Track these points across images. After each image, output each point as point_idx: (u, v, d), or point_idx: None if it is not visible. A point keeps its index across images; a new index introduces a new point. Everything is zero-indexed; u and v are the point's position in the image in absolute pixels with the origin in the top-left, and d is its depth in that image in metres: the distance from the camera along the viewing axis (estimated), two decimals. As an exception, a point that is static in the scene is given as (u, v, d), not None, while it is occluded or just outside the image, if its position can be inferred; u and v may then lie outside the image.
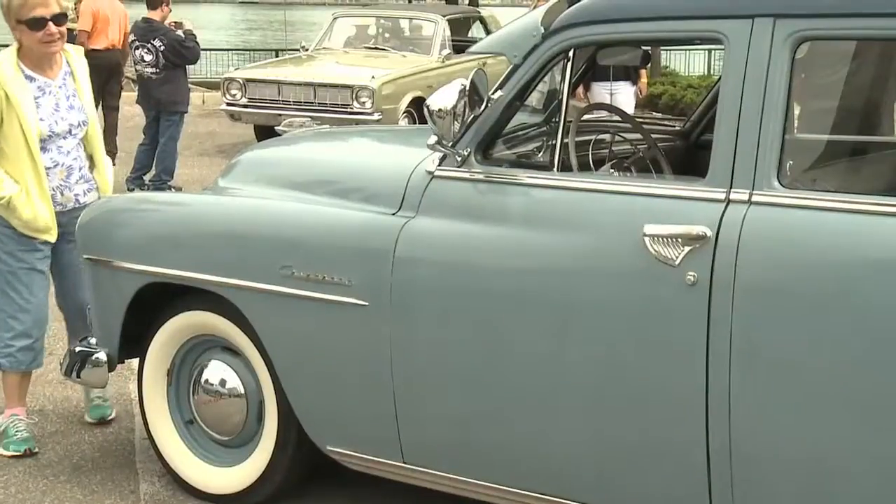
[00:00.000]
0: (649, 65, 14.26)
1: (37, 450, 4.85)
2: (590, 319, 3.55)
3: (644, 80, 11.70)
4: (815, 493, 3.30)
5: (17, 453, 4.80)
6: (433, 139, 3.95)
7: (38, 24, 4.49)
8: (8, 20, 4.60)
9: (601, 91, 9.95)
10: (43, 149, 4.66)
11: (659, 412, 3.46)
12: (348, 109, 12.86)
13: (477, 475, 3.85)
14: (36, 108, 4.59)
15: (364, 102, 12.89)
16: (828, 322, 3.22)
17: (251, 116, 13.74)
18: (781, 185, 3.34)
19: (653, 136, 4.61)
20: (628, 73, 10.15)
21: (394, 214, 3.96)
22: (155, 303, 4.47)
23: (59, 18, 4.59)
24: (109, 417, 5.23)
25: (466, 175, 3.87)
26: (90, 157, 5.00)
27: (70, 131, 4.78)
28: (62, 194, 4.82)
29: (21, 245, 4.75)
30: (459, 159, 3.88)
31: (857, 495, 3.24)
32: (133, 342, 4.58)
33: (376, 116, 12.71)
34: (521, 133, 4.23)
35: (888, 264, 3.14)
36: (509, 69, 3.92)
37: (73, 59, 4.85)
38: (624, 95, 10.12)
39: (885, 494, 3.19)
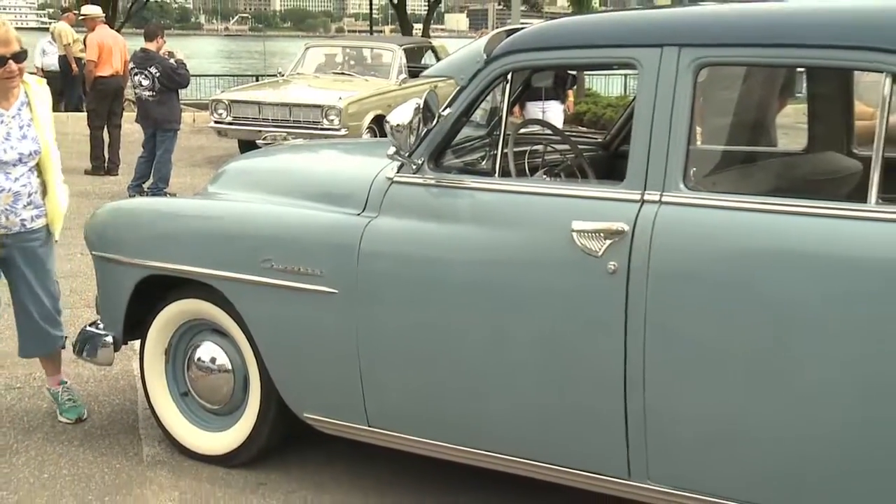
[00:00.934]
0: (575, 86, 14.31)
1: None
2: (527, 303, 3.55)
3: (571, 99, 11.74)
4: (715, 449, 3.31)
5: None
6: (392, 150, 3.94)
7: None
8: None
9: (534, 109, 9.94)
10: None
11: (585, 382, 3.47)
12: (319, 126, 12.82)
13: (430, 436, 3.85)
14: None
15: (332, 120, 12.86)
16: (726, 302, 3.24)
17: (235, 132, 13.67)
18: (686, 187, 3.36)
19: (578, 146, 4.62)
20: (557, 94, 10.17)
21: (359, 215, 3.94)
22: (154, 292, 4.43)
23: (19, 56, 4.32)
24: (84, 417, 4.89)
25: (421, 181, 3.86)
26: (44, 184, 4.53)
27: (20, 159, 4.36)
28: (7, 218, 4.40)
29: None
30: (415, 167, 3.87)
31: (751, 450, 3.25)
32: (135, 326, 4.55)
33: (343, 132, 12.68)
34: (467, 144, 4.23)
35: (775, 254, 3.18)
36: (456, 90, 3.91)
37: (34, 90, 4.46)
38: (554, 113, 10.12)
39: (774, 450, 3.21)
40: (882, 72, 3.14)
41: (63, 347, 4.90)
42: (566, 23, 4.05)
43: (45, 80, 4.52)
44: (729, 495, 3.32)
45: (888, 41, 3.12)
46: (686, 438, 3.35)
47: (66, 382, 4.97)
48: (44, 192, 4.52)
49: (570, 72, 9.91)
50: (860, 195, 3.19)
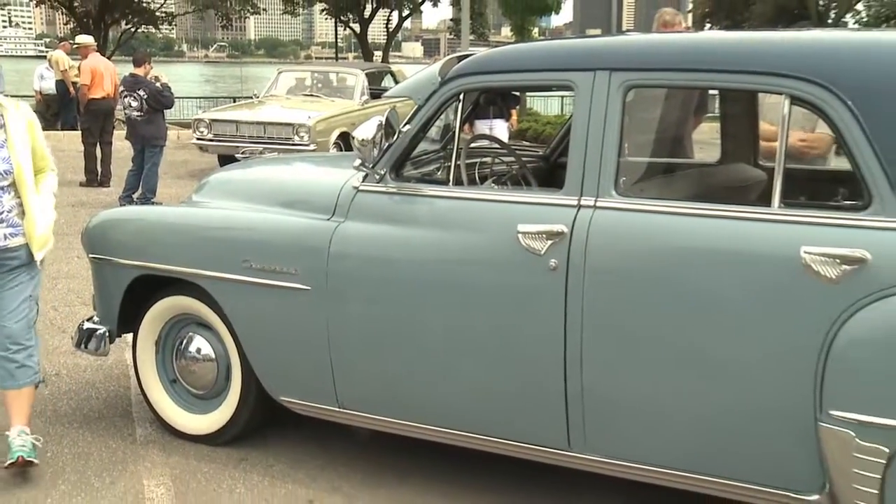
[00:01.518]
0: (518, 106, 14.35)
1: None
2: (478, 297, 3.56)
3: (514, 117, 11.74)
4: (644, 423, 3.35)
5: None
6: (358, 162, 3.95)
7: None
8: None
9: (482, 126, 9.91)
10: None
11: (530, 366, 3.49)
12: (290, 142, 12.78)
13: (394, 415, 3.86)
14: None
15: (302, 137, 12.81)
16: (652, 294, 3.27)
17: (216, 148, 13.57)
18: (617, 193, 3.39)
19: (522, 158, 4.65)
20: (503, 112, 10.17)
21: (328, 220, 3.93)
22: (145, 290, 4.40)
23: None
24: (30, 458, 3.97)
25: (383, 189, 3.86)
26: (20, 204, 3.96)
27: None
28: None
29: None
30: (378, 177, 3.87)
31: (675, 423, 3.29)
32: (128, 320, 4.50)
33: (312, 147, 12.63)
34: (424, 157, 4.24)
35: (693, 251, 3.23)
36: (414, 109, 3.92)
37: (10, 113, 3.88)
38: (500, 129, 10.09)
39: (694, 422, 3.26)
40: (782, 94, 3.20)
41: (35, 386, 4.12)
42: (511, 49, 4.08)
43: (24, 104, 4.00)
44: (656, 462, 3.36)
45: (788, 68, 3.18)
46: (619, 414, 3.38)
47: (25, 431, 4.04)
48: (22, 213, 3.97)
49: (514, 93, 9.93)
50: (765, 200, 3.25)
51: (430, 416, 3.77)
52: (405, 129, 3.89)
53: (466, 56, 4.10)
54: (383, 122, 3.92)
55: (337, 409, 3.98)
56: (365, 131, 3.88)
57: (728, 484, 3.26)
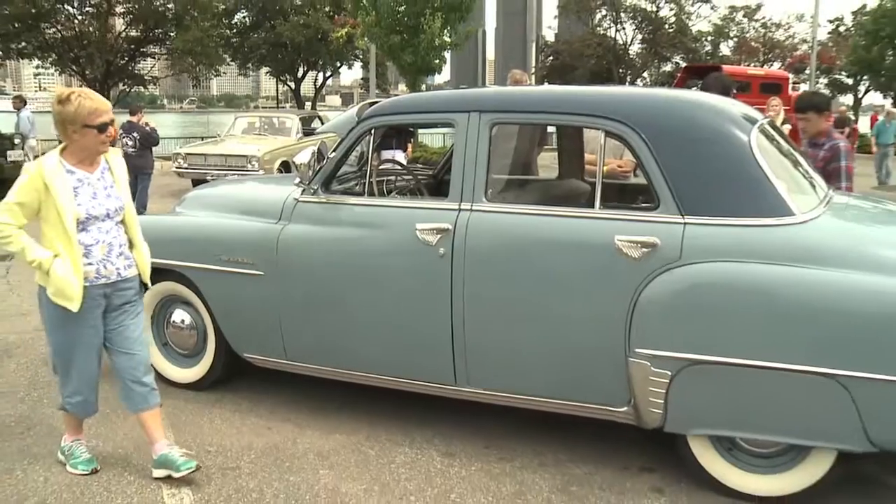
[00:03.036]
0: (413, 140, 14.29)
1: (99, 467, 3.41)
2: (387, 278, 3.54)
3: (410, 148, 11.69)
4: (508, 363, 3.37)
5: (85, 472, 3.37)
6: (297, 181, 3.90)
7: (104, 127, 3.15)
8: (67, 124, 3.11)
9: (387, 154, 9.86)
10: (84, 229, 3.15)
11: (427, 325, 3.48)
12: (245, 169, 12.52)
13: (325, 364, 3.82)
14: (74, 196, 3.10)
15: (254, 164, 12.58)
16: (512, 272, 3.29)
17: (190, 174, 13.16)
18: (486, 200, 3.41)
19: (418, 177, 4.65)
20: (401, 144, 10.12)
21: (276, 223, 3.86)
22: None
23: (112, 124, 3.28)
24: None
25: (316, 200, 3.81)
26: (130, 240, 3.37)
27: (108, 215, 3.22)
28: (105, 267, 3.21)
29: (69, 319, 3.17)
30: (312, 191, 3.82)
31: (530, 362, 3.32)
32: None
33: (261, 172, 12.40)
34: (346, 176, 4.19)
35: (541, 240, 3.25)
36: (338, 141, 3.88)
37: (112, 158, 3.33)
38: (399, 156, 10.06)
39: (543, 361, 3.29)
40: (599, 129, 3.28)
41: (160, 405, 3.42)
42: (410, 96, 4.06)
43: (118, 150, 3.43)
44: (518, 391, 3.40)
45: (603, 111, 3.25)
46: (490, 358, 3.41)
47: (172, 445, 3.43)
48: (130, 246, 3.37)
49: (410, 129, 9.88)
50: (589, 204, 3.30)
51: (354, 364, 3.74)
52: (332, 155, 3.85)
53: (374, 103, 4.09)
54: (316, 151, 3.88)
55: (286, 361, 3.92)
56: (302, 157, 3.86)
57: (566, 403, 3.33)
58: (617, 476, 3.34)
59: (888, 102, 33.29)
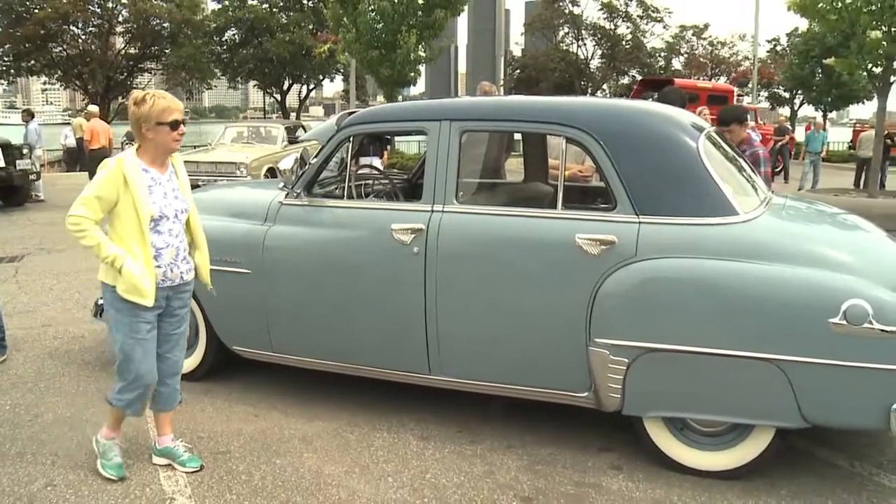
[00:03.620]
0: (389, 147, 14.26)
1: (126, 476, 3.15)
2: (366, 275, 3.51)
3: (386, 155, 11.66)
4: (477, 353, 3.36)
5: (112, 477, 3.12)
6: (281, 185, 3.87)
7: (176, 125, 2.99)
8: (142, 123, 2.95)
9: (365, 160, 9.78)
10: (157, 231, 2.99)
11: (403, 319, 3.46)
12: (234, 175, 12.41)
13: (309, 356, 3.77)
14: (149, 194, 2.96)
15: (242, 171, 12.47)
16: (481, 268, 3.28)
17: (183, 180, 13.05)
18: (457, 202, 3.40)
19: (393, 181, 4.62)
20: (378, 151, 10.07)
21: (262, 225, 3.82)
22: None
23: (184, 122, 3.10)
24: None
25: (299, 203, 3.77)
26: (191, 242, 3.20)
27: (176, 215, 3.05)
28: (171, 271, 3.05)
29: (133, 317, 2.99)
30: (295, 195, 3.78)
31: (497, 352, 3.31)
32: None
33: (249, 178, 12.31)
34: (327, 180, 4.16)
35: (507, 238, 3.23)
36: (320, 148, 3.84)
37: (177, 163, 3.15)
38: (377, 162, 9.99)
39: (509, 350, 3.28)
40: (561, 136, 3.28)
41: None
42: (386, 106, 4.02)
43: (179, 155, 3.22)
44: (486, 379, 3.39)
45: (565, 120, 3.25)
46: (461, 348, 3.39)
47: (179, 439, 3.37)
48: (192, 249, 3.21)
49: (386, 137, 9.83)
50: (552, 205, 3.31)
51: (335, 355, 3.71)
52: (314, 161, 3.81)
53: (353, 113, 4.06)
54: (299, 158, 3.85)
55: (272, 353, 3.87)
56: (286, 163, 3.83)
57: (531, 390, 3.32)
58: (579, 456, 3.34)
59: (819, 115, 33.91)
